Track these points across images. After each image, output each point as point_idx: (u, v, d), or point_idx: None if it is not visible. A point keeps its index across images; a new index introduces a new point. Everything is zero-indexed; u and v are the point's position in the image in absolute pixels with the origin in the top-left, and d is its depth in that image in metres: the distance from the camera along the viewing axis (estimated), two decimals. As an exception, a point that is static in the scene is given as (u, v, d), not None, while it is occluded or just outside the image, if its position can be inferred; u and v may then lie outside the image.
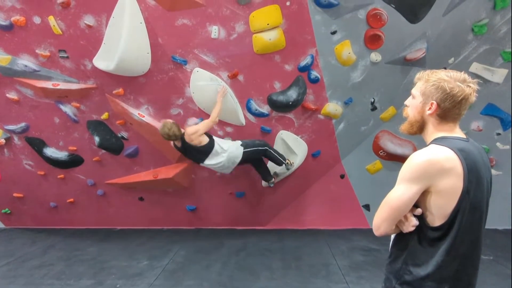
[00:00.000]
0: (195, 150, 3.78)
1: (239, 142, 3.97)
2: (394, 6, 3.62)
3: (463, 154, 1.32)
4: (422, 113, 1.44)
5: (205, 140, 3.76)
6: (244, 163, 4.06)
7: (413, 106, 1.47)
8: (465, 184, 1.31)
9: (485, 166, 1.39)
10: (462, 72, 1.39)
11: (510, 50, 4.06)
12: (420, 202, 1.39)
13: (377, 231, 1.42)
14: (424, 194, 1.36)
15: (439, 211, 1.35)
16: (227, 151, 3.84)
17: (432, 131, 1.44)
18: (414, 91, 1.47)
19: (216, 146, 3.80)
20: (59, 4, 3.51)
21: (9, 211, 5.13)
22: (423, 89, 1.42)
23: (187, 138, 3.71)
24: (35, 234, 4.99)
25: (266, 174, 4.31)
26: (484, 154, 1.44)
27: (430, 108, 1.40)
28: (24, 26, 3.66)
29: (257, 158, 4.13)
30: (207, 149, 3.79)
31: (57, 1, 3.50)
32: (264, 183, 4.47)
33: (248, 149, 3.93)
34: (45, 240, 4.76)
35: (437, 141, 1.39)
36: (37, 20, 3.64)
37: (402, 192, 1.35)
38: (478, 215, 1.37)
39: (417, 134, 1.51)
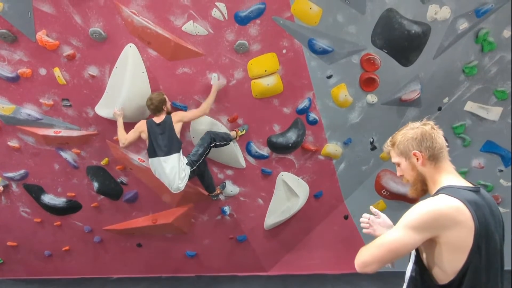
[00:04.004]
0: (170, 137, 3.52)
1: (185, 161, 3.57)
2: (386, 51, 3.77)
3: (473, 207, 1.28)
4: (416, 169, 1.47)
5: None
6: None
7: (404, 169, 1.52)
8: (476, 239, 1.26)
9: (494, 219, 1.33)
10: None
11: (503, 89, 4.17)
12: (427, 254, 1.34)
13: (363, 268, 1.39)
14: (432, 245, 1.31)
15: (447, 266, 1.29)
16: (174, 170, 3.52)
17: (435, 181, 1.44)
18: (394, 160, 1.55)
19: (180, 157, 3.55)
20: (65, 56, 3.66)
21: (1, 261, 4.94)
22: (398, 152, 1.51)
23: (174, 117, 3.55)
24: (27, 285, 4.77)
25: (208, 185, 3.98)
26: (496, 207, 1.39)
27: (418, 159, 1.44)
28: (29, 78, 3.78)
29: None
30: (178, 144, 3.56)
31: (63, 54, 3.65)
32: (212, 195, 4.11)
33: (195, 166, 3.64)
34: (37, 292, 4.55)
35: (446, 190, 1.36)
36: (43, 71, 3.76)
37: (404, 237, 1.31)
38: (493, 274, 1.30)
39: (427, 193, 1.50)
